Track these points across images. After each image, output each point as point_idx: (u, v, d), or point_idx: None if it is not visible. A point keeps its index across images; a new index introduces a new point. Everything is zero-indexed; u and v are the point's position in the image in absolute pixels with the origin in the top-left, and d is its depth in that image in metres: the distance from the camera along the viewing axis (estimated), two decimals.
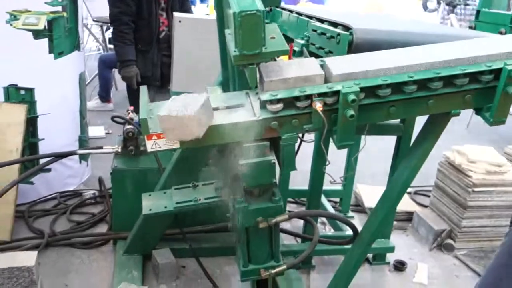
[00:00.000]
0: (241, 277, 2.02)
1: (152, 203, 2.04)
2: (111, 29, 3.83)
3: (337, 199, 3.50)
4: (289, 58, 2.41)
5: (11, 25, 2.71)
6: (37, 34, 2.79)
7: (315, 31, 2.01)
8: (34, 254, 2.10)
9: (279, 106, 1.54)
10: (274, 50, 1.48)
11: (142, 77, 3.69)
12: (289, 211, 2.15)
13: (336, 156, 1.77)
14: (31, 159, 2.96)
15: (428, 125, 1.81)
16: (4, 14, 2.74)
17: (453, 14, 8.41)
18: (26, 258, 2.05)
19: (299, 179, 3.09)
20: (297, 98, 1.55)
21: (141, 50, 3.70)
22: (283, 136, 1.61)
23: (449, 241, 3.13)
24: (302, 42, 2.10)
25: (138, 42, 3.69)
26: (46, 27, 2.84)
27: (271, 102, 1.55)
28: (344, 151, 1.95)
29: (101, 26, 6.65)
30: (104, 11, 6.87)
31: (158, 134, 1.56)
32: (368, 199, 3.59)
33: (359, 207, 3.61)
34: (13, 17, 2.70)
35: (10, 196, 2.73)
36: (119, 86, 6.28)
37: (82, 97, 3.58)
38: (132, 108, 2.86)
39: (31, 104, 3.00)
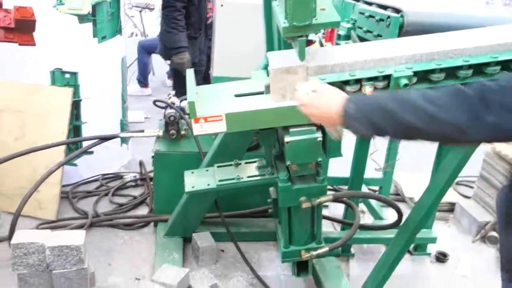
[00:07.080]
0: (281, 258, 2.01)
1: (195, 180, 2.04)
2: (160, 15, 3.74)
3: (376, 188, 3.44)
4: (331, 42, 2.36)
5: (57, 9, 2.75)
6: (81, 19, 2.82)
7: (362, 14, 1.96)
8: (82, 233, 2.15)
9: None
10: (325, 21, 1.45)
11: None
12: None
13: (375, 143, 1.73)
14: (75, 141, 3.04)
15: None
16: None
17: None
18: (75, 237, 2.11)
19: (333, 166, 3.04)
20: (346, 83, 1.52)
21: (190, 36, 3.66)
22: None
23: (494, 233, 3.03)
24: (348, 25, 2.05)
25: (188, 28, 3.64)
26: (90, 12, 2.87)
27: None
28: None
29: (140, 12, 6.72)
30: None
31: (205, 118, 1.56)
32: (408, 188, 3.51)
33: (399, 196, 3.54)
34: (59, 1, 2.74)
35: (56, 178, 2.82)
36: (156, 72, 6.36)
37: (123, 81, 3.64)
38: (173, 92, 2.88)
39: (75, 88, 3.07)
